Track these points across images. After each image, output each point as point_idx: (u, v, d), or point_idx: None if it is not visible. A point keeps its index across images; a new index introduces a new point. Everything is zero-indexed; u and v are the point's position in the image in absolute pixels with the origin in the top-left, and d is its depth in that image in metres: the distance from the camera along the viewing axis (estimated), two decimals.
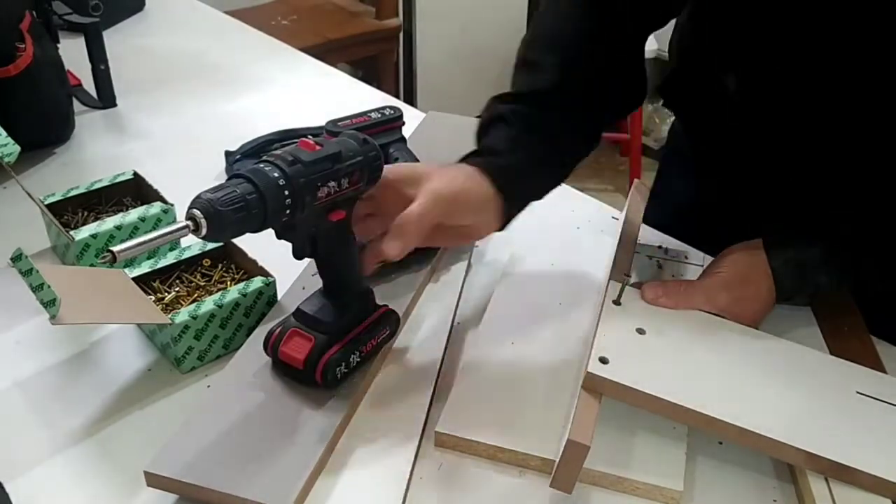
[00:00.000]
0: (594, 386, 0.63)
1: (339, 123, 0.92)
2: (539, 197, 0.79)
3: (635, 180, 0.95)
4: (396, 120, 0.96)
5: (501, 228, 0.75)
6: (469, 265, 0.87)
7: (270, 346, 0.69)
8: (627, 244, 0.82)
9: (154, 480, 0.61)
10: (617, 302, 0.73)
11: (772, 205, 0.85)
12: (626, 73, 0.82)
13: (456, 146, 1.00)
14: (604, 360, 0.64)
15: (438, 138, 1.02)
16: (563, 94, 0.77)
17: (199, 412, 0.66)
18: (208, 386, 0.72)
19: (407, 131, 0.98)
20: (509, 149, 0.74)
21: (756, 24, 0.74)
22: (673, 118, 1.03)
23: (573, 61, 0.78)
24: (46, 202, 0.86)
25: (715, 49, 0.82)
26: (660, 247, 0.89)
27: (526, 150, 0.74)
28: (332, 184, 0.62)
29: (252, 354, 0.71)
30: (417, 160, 0.92)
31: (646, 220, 0.90)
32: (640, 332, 0.70)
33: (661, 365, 0.66)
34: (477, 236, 0.77)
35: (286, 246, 0.89)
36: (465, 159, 0.74)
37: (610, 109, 0.84)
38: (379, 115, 0.94)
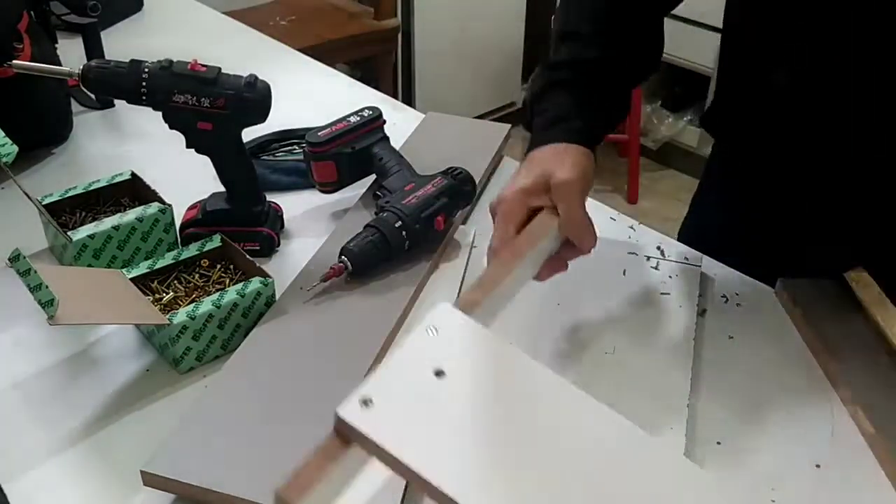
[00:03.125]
0: (346, 433, 0.46)
1: (319, 133, 0.91)
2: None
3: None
4: (376, 120, 0.95)
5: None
6: (468, 265, 0.87)
7: None
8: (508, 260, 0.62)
9: (151, 480, 0.61)
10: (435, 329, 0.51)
11: (822, 225, 0.84)
12: (648, 44, 0.84)
13: (455, 146, 1.00)
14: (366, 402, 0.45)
15: (438, 139, 1.02)
16: (605, 62, 0.80)
17: (197, 412, 0.66)
18: (206, 386, 0.72)
19: (406, 132, 0.98)
20: (577, 113, 0.77)
21: (809, 9, 0.73)
22: (670, 119, 1.02)
23: (607, 32, 0.81)
24: (44, 202, 0.86)
25: (764, 42, 0.82)
26: (658, 247, 0.89)
27: (590, 113, 0.77)
28: None
29: (250, 355, 0.71)
30: (402, 157, 0.91)
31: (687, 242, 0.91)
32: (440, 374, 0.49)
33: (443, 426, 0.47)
34: None
35: (285, 247, 0.89)
36: (541, 139, 0.75)
37: (635, 77, 0.86)
38: (358, 119, 0.94)
